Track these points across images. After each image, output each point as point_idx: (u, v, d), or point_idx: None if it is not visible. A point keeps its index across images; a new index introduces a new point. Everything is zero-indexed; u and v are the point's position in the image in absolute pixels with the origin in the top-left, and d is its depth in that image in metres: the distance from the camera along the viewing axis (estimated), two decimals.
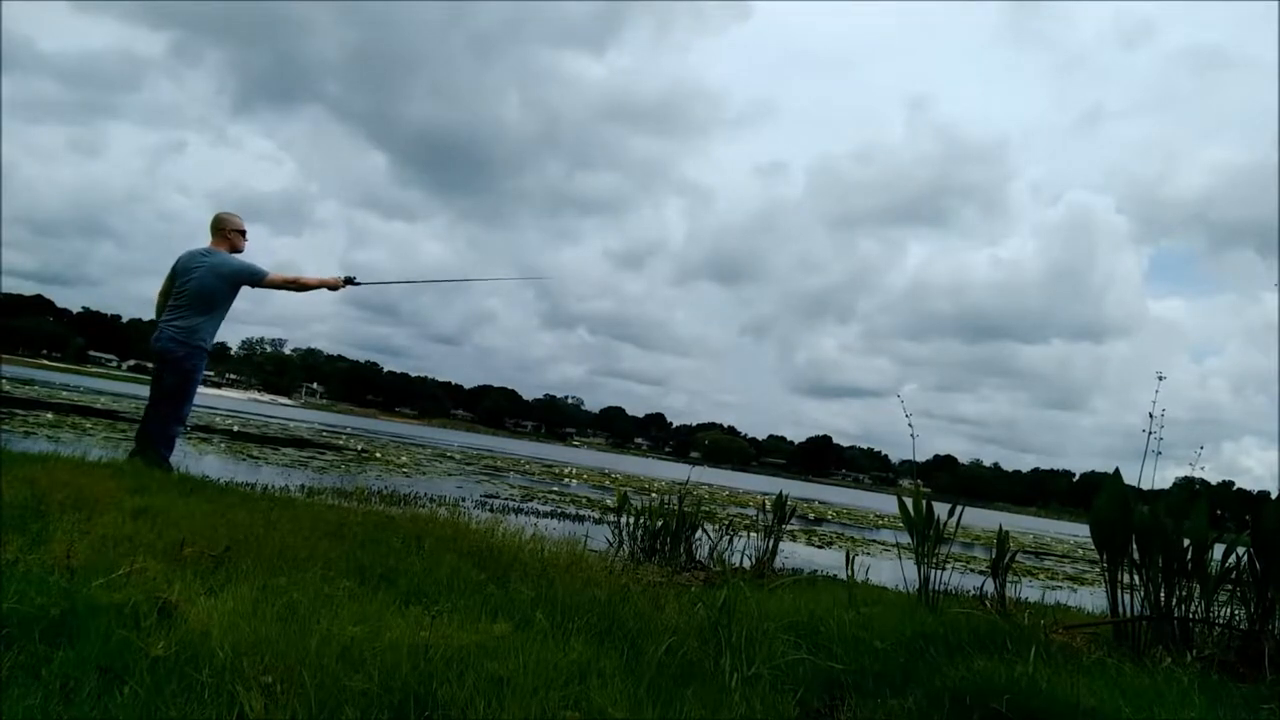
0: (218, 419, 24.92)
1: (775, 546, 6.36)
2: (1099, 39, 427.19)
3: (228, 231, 6.39)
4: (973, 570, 8.66)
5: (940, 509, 4.55)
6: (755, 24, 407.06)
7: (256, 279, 6.31)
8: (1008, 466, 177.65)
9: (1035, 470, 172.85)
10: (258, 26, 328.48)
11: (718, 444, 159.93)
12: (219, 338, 6.65)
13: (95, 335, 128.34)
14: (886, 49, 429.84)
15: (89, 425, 13.64)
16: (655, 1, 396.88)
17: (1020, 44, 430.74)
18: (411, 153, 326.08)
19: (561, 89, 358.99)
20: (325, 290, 6.59)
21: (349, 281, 6.63)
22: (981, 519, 22.06)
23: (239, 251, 6.42)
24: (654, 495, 8.41)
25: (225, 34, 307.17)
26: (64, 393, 27.72)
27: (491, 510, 8.91)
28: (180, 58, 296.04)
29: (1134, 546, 3.80)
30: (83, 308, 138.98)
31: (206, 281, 6.14)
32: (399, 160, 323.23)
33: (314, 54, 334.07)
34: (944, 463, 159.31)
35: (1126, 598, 3.83)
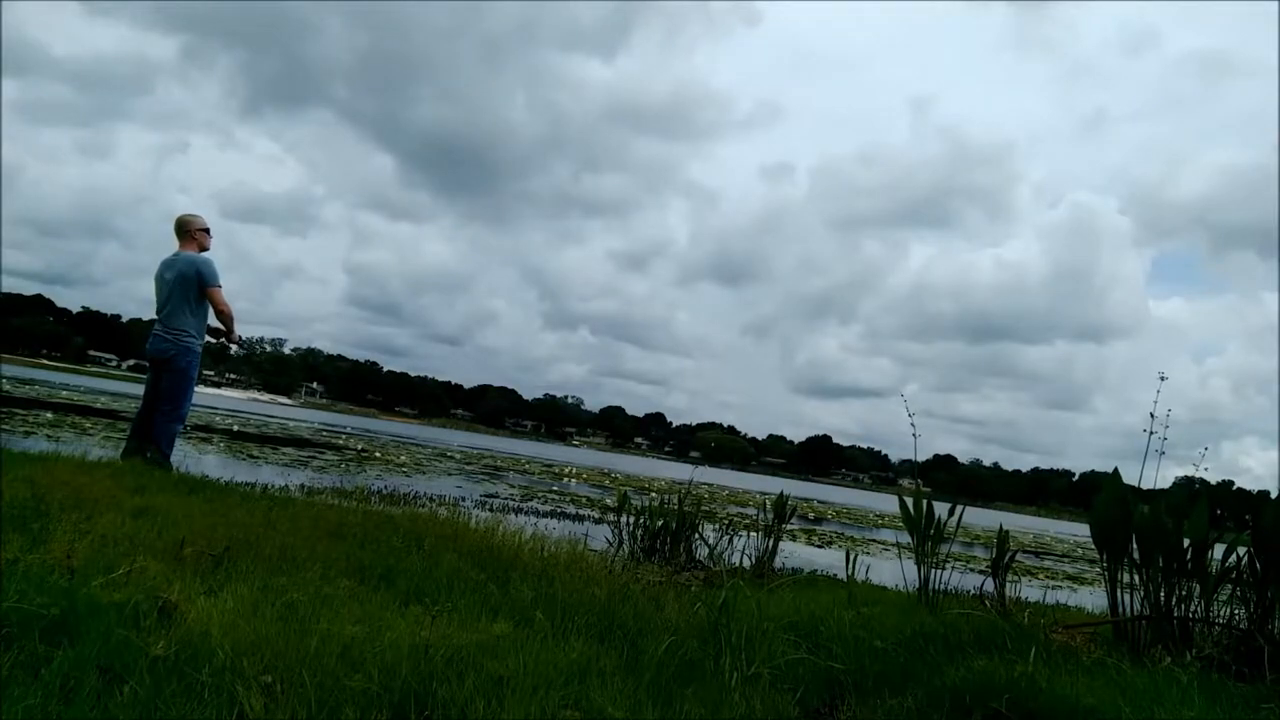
0: (218, 419, 24.90)
1: (775, 546, 6.36)
2: (1103, 44, 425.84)
3: (193, 231, 6.56)
4: (973, 570, 8.65)
5: (940, 508, 4.55)
6: (763, 27, 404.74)
7: (208, 283, 6.41)
8: (1008, 466, 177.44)
9: (1035, 470, 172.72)
10: (268, 30, 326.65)
11: (718, 443, 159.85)
12: None
13: (95, 335, 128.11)
14: (891, 52, 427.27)
15: (89, 425, 13.64)
16: (664, 3, 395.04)
17: (1025, 48, 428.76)
18: (418, 155, 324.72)
19: (569, 92, 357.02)
20: (221, 329, 6.63)
21: (236, 340, 6.73)
22: (981, 518, 22.08)
23: (206, 249, 6.60)
24: (654, 495, 8.41)
25: (235, 38, 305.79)
26: (64, 392, 27.67)
27: (491, 510, 8.92)
28: (191, 61, 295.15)
29: (1134, 546, 3.80)
30: (82, 307, 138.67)
31: (178, 282, 6.35)
32: (406, 162, 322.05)
33: (323, 57, 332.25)
34: (944, 462, 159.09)
35: (1126, 597, 3.83)
